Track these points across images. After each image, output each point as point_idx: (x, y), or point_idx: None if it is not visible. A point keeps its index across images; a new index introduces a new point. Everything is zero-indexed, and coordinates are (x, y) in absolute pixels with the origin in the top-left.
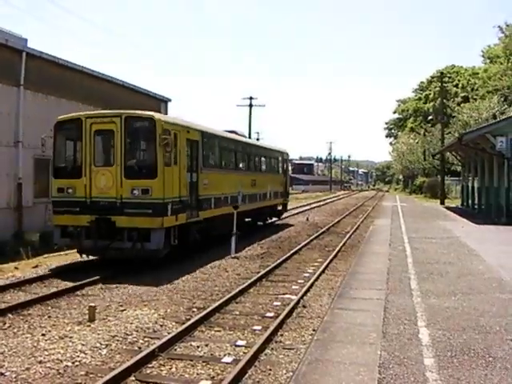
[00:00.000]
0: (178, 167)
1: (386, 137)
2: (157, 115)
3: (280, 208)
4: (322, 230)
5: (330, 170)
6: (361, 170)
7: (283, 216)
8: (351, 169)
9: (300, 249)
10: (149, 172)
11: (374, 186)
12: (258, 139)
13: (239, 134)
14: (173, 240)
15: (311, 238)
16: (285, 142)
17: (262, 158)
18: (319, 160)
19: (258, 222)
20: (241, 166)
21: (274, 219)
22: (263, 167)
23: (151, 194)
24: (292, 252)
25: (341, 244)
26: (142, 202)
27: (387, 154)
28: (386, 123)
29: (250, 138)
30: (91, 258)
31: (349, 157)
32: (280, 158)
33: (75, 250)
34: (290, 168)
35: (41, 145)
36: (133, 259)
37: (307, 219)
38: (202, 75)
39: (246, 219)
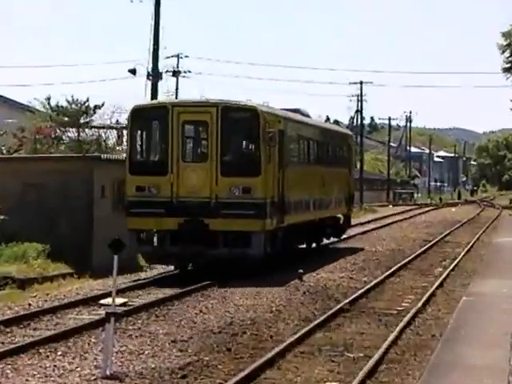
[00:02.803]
0: (273, 163)
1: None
2: (259, 106)
3: (342, 222)
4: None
5: (362, 154)
6: (439, 154)
7: (344, 235)
8: (414, 150)
9: None
10: (251, 169)
11: (474, 191)
12: None
13: (304, 114)
14: (269, 247)
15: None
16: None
17: (329, 146)
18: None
19: (313, 242)
20: (316, 159)
21: (332, 240)
22: (331, 159)
23: (253, 194)
24: None
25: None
26: (242, 202)
27: (508, 115)
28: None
29: None
30: (167, 268)
31: (408, 120)
32: (344, 144)
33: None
34: (354, 158)
35: None
36: (229, 267)
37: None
38: None
39: (300, 238)
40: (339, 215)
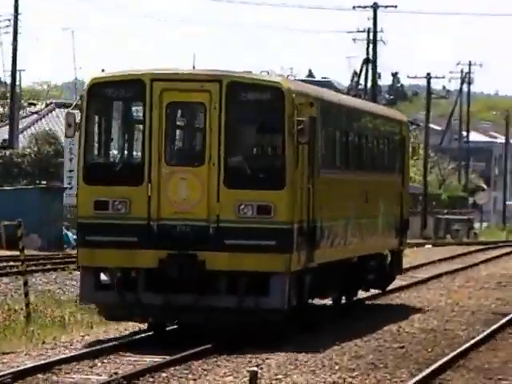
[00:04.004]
0: (301, 170)
1: None
2: (285, 82)
3: (389, 262)
4: None
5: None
6: None
7: (391, 286)
8: (478, 138)
9: None
10: (271, 177)
11: None
12: None
13: (337, 90)
14: (295, 296)
15: None
16: None
17: (376, 142)
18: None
19: (347, 294)
20: (358, 162)
21: (372, 292)
22: (378, 162)
23: (274, 215)
24: None
25: None
26: (257, 228)
27: None
28: None
29: None
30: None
31: (465, 80)
32: (396, 137)
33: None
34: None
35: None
36: (237, 326)
37: None
38: None
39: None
40: (386, 251)
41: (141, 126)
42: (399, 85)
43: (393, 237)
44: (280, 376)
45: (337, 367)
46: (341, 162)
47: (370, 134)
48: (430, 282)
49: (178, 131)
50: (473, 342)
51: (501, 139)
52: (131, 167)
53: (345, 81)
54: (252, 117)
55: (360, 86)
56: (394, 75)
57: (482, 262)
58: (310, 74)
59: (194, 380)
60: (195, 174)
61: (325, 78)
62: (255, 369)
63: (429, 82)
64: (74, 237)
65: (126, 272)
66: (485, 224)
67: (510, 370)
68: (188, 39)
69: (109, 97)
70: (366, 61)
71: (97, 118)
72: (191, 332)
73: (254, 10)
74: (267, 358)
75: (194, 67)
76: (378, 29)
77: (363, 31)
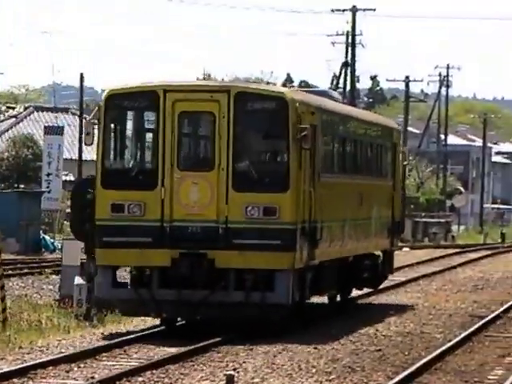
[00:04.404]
0: (304, 174)
1: None
2: (289, 92)
3: (381, 262)
4: None
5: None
6: (502, 149)
7: (383, 284)
8: (456, 141)
9: None
10: (276, 181)
11: None
12: None
13: (335, 99)
14: (298, 292)
15: None
16: None
17: (370, 148)
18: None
19: (343, 291)
20: (354, 166)
21: (365, 290)
22: (371, 166)
23: (279, 217)
24: None
25: None
26: (263, 229)
27: None
28: None
29: None
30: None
31: (443, 83)
32: (388, 143)
33: None
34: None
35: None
36: (245, 320)
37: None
38: None
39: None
40: (378, 252)
41: (154, 134)
42: (378, 88)
43: (385, 238)
44: (257, 380)
45: (313, 370)
46: (338, 167)
47: (364, 140)
48: (407, 284)
49: (189, 139)
50: (449, 344)
51: (478, 142)
52: (145, 172)
53: (324, 84)
54: (258, 125)
55: (339, 90)
56: (373, 78)
57: (460, 264)
58: (289, 78)
59: None
60: (205, 179)
61: (304, 81)
62: (232, 372)
63: (407, 86)
64: (52, 240)
65: (140, 270)
66: (462, 227)
67: (486, 373)
68: (170, 42)
69: (125, 107)
70: (345, 64)
71: (113, 126)
72: (177, 333)
73: (232, 12)
74: (244, 362)
75: (204, 78)
76: (357, 32)
77: (342, 34)
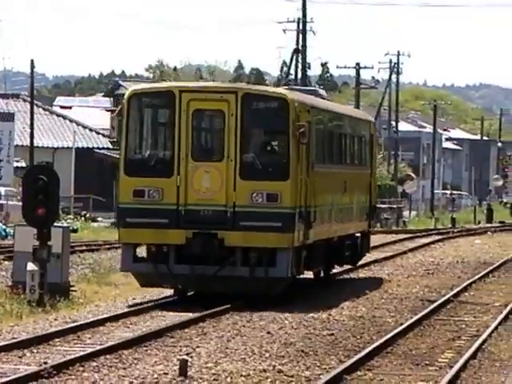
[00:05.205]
0: (301, 164)
1: None
2: (289, 93)
3: (359, 242)
4: None
5: None
6: (452, 135)
7: (362, 261)
8: (407, 128)
9: None
10: (278, 171)
11: None
12: None
13: (322, 97)
14: (295, 268)
15: None
16: None
17: (351, 140)
18: None
19: (330, 268)
20: (339, 157)
21: (345, 267)
22: (352, 157)
23: (280, 202)
24: None
25: None
26: (267, 212)
27: None
28: None
29: None
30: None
31: (394, 71)
32: (365, 135)
33: None
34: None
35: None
36: (250, 292)
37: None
38: None
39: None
40: (357, 233)
41: (171, 129)
42: (328, 75)
43: (363, 220)
44: (210, 364)
45: (267, 355)
46: (328, 158)
47: (347, 133)
48: (359, 269)
49: (201, 133)
50: (400, 328)
51: (429, 128)
52: (163, 162)
53: (275, 71)
54: (262, 122)
55: (290, 76)
56: (324, 65)
57: (411, 250)
58: (240, 65)
59: (124, 369)
60: (216, 168)
61: (255, 68)
62: (185, 357)
63: (358, 72)
64: (4, 227)
65: (158, 247)
66: (414, 212)
67: (436, 356)
68: (124, 35)
69: (145, 105)
70: (296, 51)
71: (135, 122)
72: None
73: (182, 2)
74: (198, 347)
75: (213, 80)
76: (308, 19)
77: (293, 21)
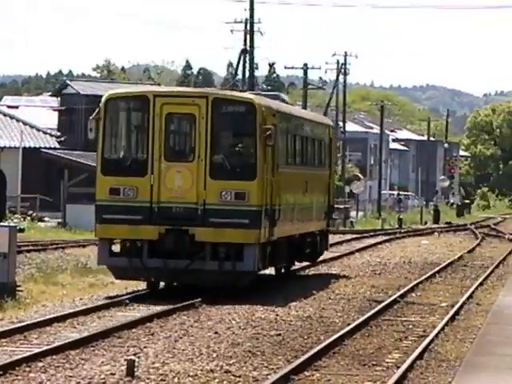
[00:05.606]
0: (267, 165)
1: None
2: (256, 98)
3: (318, 239)
4: None
5: None
6: (399, 136)
7: (321, 257)
8: (354, 128)
9: None
10: (246, 171)
11: (464, 207)
12: None
13: (285, 101)
14: (261, 262)
15: None
16: None
17: (311, 142)
18: None
19: (290, 264)
20: (300, 159)
21: (304, 264)
22: (312, 158)
23: (248, 200)
24: None
25: None
26: (235, 210)
27: None
28: None
29: None
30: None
31: (341, 71)
32: (325, 138)
33: None
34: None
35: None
36: (218, 285)
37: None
38: None
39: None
40: (316, 231)
41: (145, 131)
42: (275, 75)
43: (322, 219)
44: (157, 364)
45: (214, 355)
46: (290, 159)
47: (308, 136)
48: (306, 269)
49: (174, 135)
50: (348, 329)
51: (376, 129)
52: (138, 162)
53: (223, 71)
54: (231, 125)
55: (237, 77)
56: (271, 66)
57: (358, 250)
58: (188, 65)
59: (71, 369)
60: (187, 168)
61: (202, 68)
62: (133, 357)
63: (305, 73)
64: None
65: (133, 242)
66: (361, 213)
67: (383, 356)
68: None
69: (121, 108)
70: (243, 51)
71: (111, 124)
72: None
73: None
74: (145, 347)
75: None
76: (256, 20)
77: (240, 22)
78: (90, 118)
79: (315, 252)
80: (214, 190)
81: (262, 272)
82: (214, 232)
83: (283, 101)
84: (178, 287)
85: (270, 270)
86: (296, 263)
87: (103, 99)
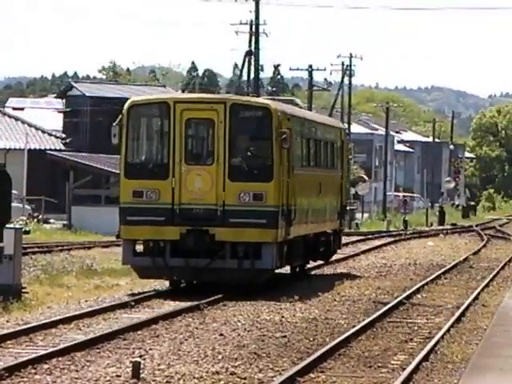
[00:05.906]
0: (283, 167)
1: None
2: (272, 103)
3: (332, 239)
4: None
5: None
6: (404, 137)
7: (334, 257)
8: (359, 130)
9: None
10: (263, 173)
11: (470, 208)
12: None
13: (299, 106)
14: (278, 261)
15: None
16: None
17: (324, 145)
18: None
19: (306, 262)
20: (314, 161)
21: (317, 263)
22: (326, 160)
23: (265, 201)
24: None
25: None
26: (253, 210)
27: None
28: None
29: None
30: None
31: (346, 73)
32: (337, 140)
33: None
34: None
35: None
36: (238, 282)
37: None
38: None
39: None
40: (330, 231)
41: (166, 136)
42: (279, 77)
43: (335, 219)
44: (163, 366)
45: (220, 357)
46: (305, 161)
47: (321, 139)
48: (312, 271)
49: (193, 139)
50: (353, 330)
51: (381, 131)
52: (159, 166)
53: (228, 73)
54: (248, 129)
55: (243, 78)
56: (276, 67)
57: (363, 252)
58: (194, 66)
59: (77, 371)
60: (207, 171)
61: (207, 69)
62: (138, 359)
63: (310, 74)
64: None
65: (155, 243)
66: (366, 215)
67: (389, 358)
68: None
69: (143, 114)
70: (249, 53)
71: (133, 130)
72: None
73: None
74: (150, 349)
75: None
76: (261, 21)
77: (246, 23)
78: (113, 124)
79: (329, 251)
80: (232, 191)
81: (278, 271)
82: (233, 232)
83: (297, 105)
84: (184, 288)
85: (286, 270)
86: (310, 262)
87: (126, 106)
